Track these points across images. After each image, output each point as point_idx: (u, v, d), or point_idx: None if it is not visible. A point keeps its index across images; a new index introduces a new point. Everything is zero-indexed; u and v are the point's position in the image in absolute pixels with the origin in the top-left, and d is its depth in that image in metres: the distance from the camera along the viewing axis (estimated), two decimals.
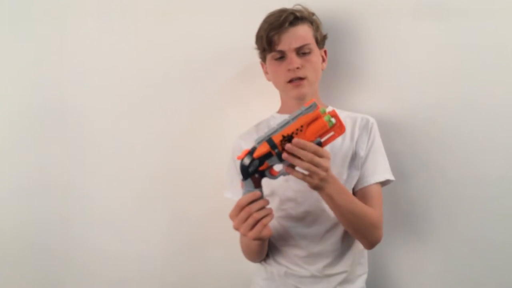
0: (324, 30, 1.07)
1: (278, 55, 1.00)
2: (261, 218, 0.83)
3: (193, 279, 1.27)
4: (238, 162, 1.04)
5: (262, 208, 0.84)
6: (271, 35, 0.98)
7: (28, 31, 1.30)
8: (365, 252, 1.07)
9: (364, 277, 1.06)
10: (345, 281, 1.02)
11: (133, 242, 1.28)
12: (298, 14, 0.99)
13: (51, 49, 1.30)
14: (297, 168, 0.83)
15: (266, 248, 1.02)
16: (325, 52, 1.08)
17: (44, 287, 1.32)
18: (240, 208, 0.83)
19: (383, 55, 1.14)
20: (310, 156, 0.79)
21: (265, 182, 0.87)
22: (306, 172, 0.82)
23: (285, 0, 1.04)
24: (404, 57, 1.13)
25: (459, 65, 1.11)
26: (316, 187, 0.84)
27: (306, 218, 1.00)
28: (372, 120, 1.04)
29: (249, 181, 0.85)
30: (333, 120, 0.81)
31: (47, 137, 1.31)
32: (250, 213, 0.82)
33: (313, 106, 0.81)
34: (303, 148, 0.79)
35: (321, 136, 0.82)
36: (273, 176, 0.86)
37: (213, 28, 1.22)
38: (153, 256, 1.28)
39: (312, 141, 0.80)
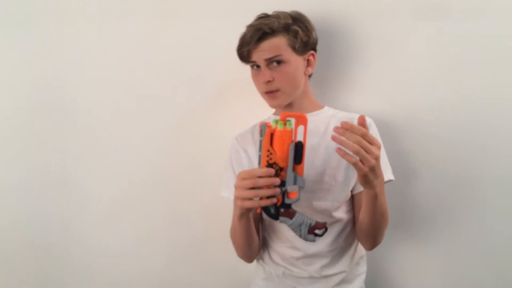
0: (320, 31, 1.06)
1: (254, 65, 1.01)
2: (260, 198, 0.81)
3: (192, 279, 1.28)
4: (234, 163, 1.06)
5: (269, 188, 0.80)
6: (241, 51, 1.00)
7: (27, 30, 1.31)
8: (364, 251, 1.08)
9: (363, 277, 1.07)
10: (343, 281, 1.03)
11: (132, 242, 1.30)
12: (266, 28, 0.96)
13: (51, 48, 1.30)
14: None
15: (254, 238, 1.01)
16: (313, 55, 1.04)
17: (43, 284, 1.34)
18: (250, 176, 0.81)
19: (380, 55, 1.13)
20: (358, 138, 0.76)
21: None
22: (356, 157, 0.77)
23: (281, 1, 1.03)
24: (402, 56, 1.12)
25: (458, 65, 1.10)
26: (366, 180, 0.81)
27: None
28: (369, 120, 1.02)
29: (282, 218, 0.85)
30: (290, 120, 0.80)
31: (46, 136, 1.32)
32: (254, 185, 0.80)
33: (264, 128, 0.80)
34: (350, 130, 0.76)
35: (294, 139, 0.81)
36: (293, 199, 0.83)
37: (211, 29, 1.21)
38: (152, 256, 1.29)
39: (287, 151, 0.80)
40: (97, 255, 1.32)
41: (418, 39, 1.11)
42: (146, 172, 1.28)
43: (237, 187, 0.83)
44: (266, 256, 1.07)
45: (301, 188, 0.82)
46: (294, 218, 0.84)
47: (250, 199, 0.82)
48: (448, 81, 1.11)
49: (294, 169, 0.81)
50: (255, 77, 1.02)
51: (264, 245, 1.08)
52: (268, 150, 0.80)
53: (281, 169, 0.81)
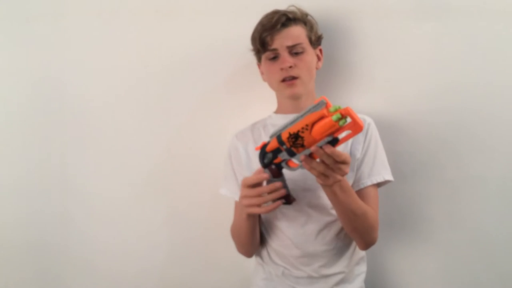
0: (321, 30, 1.07)
1: (272, 55, 1.01)
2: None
3: (192, 279, 1.28)
4: (234, 160, 1.07)
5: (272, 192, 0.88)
6: (264, 36, 0.99)
7: (27, 30, 1.31)
8: (364, 252, 1.07)
9: (362, 277, 1.06)
10: (342, 281, 1.02)
11: (132, 240, 1.29)
12: (290, 15, 0.99)
13: (51, 47, 1.30)
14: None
15: (257, 235, 1.04)
16: (320, 50, 1.07)
17: (42, 282, 1.34)
18: (246, 186, 0.89)
19: (381, 54, 1.14)
20: (331, 161, 0.79)
21: None
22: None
23: (281, 0, 1.04)
24: (402, 56, 1.13)
25: (457, 65, 1.11)
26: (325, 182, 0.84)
27: (299, 217, 1.00)
28: (369, 120, 1.03)
29: (267, 170, 0.89)
30: (347, 118, 0.75)
31: (47, 136, 1.32)
32: (259, 194, 0.88)
33: (321, 104, 0.76)
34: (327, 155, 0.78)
35: (335, 134, 0.77)
36: (292, 168, 0.87)
37: (211, 28, 1.22)
38: (152, 255, 1.29)
39: (321, 139, 0.77)
40: (97, 254, 1.31)
41: (418, 39, 1.12)
42: (146, 171, 1.28)
43: (243, 197, 0.89)
44: (265, 256, 1.07)
45: (302, 167, 0.85)
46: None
47: (258, 205, 0.88)
48: (448, 81, 1.11)
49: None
50: (271, 66, 1.01)
51: (263, 244, 1.08)
52: (307, 125, 0.78)
53: (303, 146, 0.80)
